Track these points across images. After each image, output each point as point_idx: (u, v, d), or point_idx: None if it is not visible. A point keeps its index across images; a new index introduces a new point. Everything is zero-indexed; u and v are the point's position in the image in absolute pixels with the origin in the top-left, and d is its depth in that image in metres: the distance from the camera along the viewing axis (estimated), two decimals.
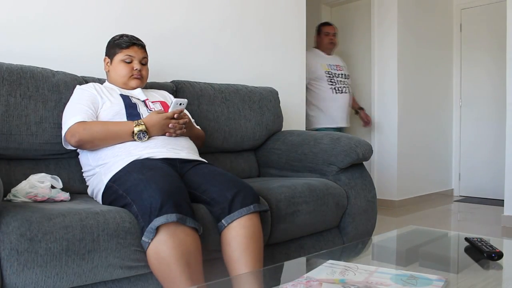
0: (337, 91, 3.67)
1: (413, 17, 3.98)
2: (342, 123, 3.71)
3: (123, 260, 1.33)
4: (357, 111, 4.09)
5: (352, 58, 4.90)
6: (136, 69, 1.88)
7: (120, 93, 1.85)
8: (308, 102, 3.62)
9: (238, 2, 2.87)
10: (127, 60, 1.87)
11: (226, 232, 1.49)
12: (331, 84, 3.66)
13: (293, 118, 3.08)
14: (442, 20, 4.85)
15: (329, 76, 3.67)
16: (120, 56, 1.87)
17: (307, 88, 3.62)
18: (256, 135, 2.49)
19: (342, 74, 3.76)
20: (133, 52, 1.88)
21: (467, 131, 4.93)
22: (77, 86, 1.83)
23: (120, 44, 1.88)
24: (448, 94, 4.95)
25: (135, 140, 1.68)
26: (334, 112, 3.66)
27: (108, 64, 1.92)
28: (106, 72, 1.95)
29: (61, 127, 1.75)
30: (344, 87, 3.72)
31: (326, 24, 3.90)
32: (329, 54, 3.80)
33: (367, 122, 4.12)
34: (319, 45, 3.83)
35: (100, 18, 2.23)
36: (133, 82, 1.89)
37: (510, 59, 3.39)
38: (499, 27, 4.27)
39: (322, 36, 3.80)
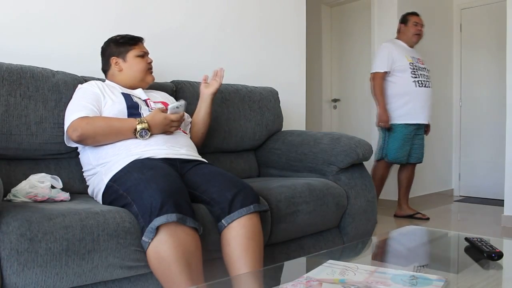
0: (420, 85, 3.46)
1: None
2: (422, 120, 3.50)
3: (123, 260, 1.33)
4: None
5: (352, 58, 4.90)
6: (149, 62, 1.93)
7: (121, 91, 1.85)
8: (385, 95, 3.47)
9: (238, 2, 2.87)
10: (142, 55, 1.92)
11: (226, 232, 1.49)
12: (414, 77, 3.45)
13: (293, 118, 3.08)
14: (442, 20, 4.85)
15: (413, 69, 3.46)
16: (134, 52, 1.90)
17: (385, 80, 3.48)
18: (256, 135, 2.49)
19: (424, 68, 3.55)
20: (142, 47, 1.94)
21: (467, 131, 4.93)
22: (79, 85, 1.82)
23: (128, 41, 1.91)
24: (448, 94, 4.94)
25: (136, 138, 1.68)
26: (415, 107, 3.45)
27: (118, 63, 1.90)
28: (116, 71, 1.90)
29: (61, 127, 1.75)
30: (426, 81, 3.50)
31: (415, 14, 3.62)
32: (411, 46, 3.58)
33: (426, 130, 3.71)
34: (402, 36, 3.60)
35: (100, 18, 2.23)
36: (150, 78, 1.94)
37: (510, 59, 3.39)
38: (499, 27, 4.26)
39: (409, 26, 3.56)
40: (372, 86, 3.55)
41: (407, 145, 3.50)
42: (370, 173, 3.57)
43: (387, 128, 3.51)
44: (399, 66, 3.46)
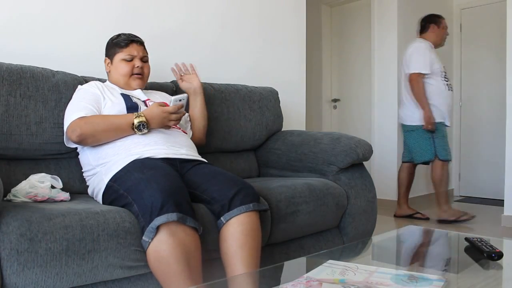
0: (450, 88, 3.49)
1: (413, 17, 3.98)
2: (447, 122, 3.52)
3: (123, 260, 1.33)
4: None
5: (352, 58, 4.90)
6: (138, 66, 1.87)
7: (121, 92, 1.85)
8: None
9: (238, 2, 2.87)
10: (128, 59, 1.87)
11: (224, 229, 1.50)
12: (445, 80, 3.46)
13: (293, 118, 3.08)
14: None
15: (444, 72, 3.47)
16: (120, 55, 1.87)
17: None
18: (256, 135, 2.49)
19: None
20: (133, 49, 1.87)
21: (467, 131, 4.93)
22: (79, 86, 1.83)
23: (119, 43, 1.88)
24: None
25: (135, 133, 1.68)
26: (445, 109, 3.46)
27: (109, 64, 1.91)
28: (107, 72, 1.94)
29: (61, 127, 1.75)
30: (451, 84, 3.54)
31: (443, 17, 3.61)
32: (435, 48, 3.57)
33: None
34: (430, 36, 3.54)
35: (100, 18, 2.23)
36: (135, 83, 1.88)
37: (510, 59, 3.39)
38: (499, 27, 4.26)
39: (441, 30, 3.55)
40: (411, 87, 3.44)
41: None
42: (430, 177, 3.58)
43: (431, 130, 3.44)
44: (436, 69, 3.42)
